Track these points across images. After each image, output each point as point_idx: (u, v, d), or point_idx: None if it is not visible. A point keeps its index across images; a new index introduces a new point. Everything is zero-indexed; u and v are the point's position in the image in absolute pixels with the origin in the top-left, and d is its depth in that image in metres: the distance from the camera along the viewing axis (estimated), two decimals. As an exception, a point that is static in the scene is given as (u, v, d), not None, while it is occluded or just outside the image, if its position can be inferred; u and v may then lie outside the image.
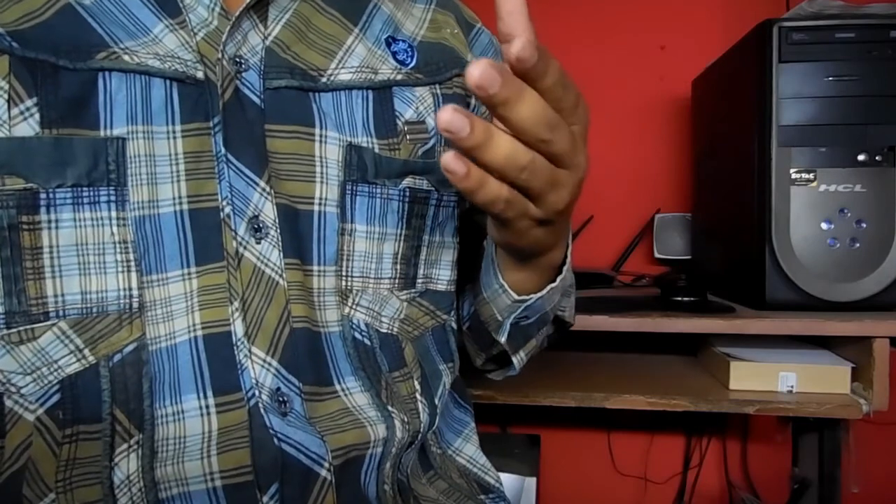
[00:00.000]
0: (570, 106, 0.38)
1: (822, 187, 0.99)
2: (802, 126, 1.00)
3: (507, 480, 1.19)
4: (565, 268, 0.57)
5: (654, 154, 1.51)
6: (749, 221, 1.05)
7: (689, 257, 1.41)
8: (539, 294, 0.55)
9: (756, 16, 1.07)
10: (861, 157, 0.98)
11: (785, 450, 1.41)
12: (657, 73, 1.49)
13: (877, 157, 0.98)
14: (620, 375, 1.14)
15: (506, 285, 0.55)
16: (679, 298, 1.05)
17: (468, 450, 0.65)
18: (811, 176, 1.00)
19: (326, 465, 0.47)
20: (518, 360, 0.65)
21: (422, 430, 0.55)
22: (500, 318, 0.59)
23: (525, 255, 0.52)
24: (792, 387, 1.02)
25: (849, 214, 0.99)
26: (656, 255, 1.45)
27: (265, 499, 0.45)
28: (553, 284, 0.55)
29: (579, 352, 1.29)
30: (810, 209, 0.99)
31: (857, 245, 0.99)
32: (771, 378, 1.02)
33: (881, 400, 0.96)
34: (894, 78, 0.98)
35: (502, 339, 0.60)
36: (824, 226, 0.99)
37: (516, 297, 0.55)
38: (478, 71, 0.33)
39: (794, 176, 1.00)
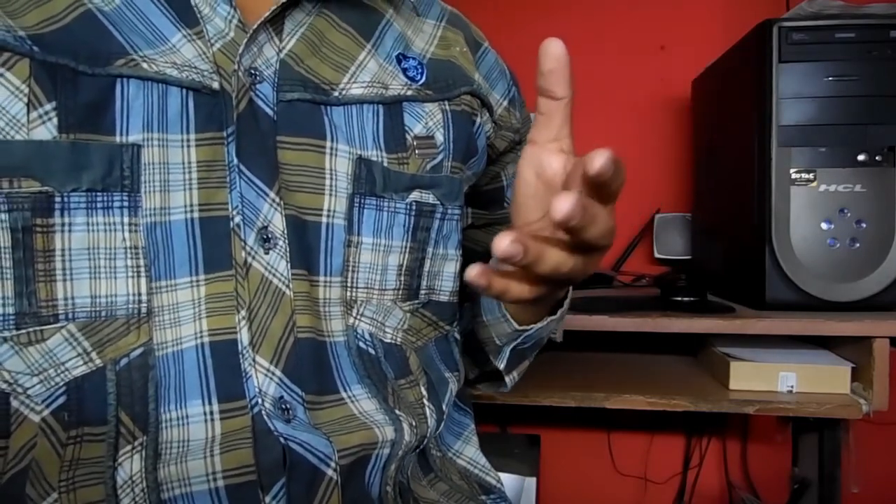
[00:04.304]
0: (619, 192, 0.39)
1: (822, 187, 1.00)
2: (802, 126, 1.00)
3: (507, 480, 1.19)
4: (566, 301, 0.58)
5: (654, 154, 1.51)
6: (749, 221, 1.05)
7: (689, 257, 1.42)
8: (538, 325, 0.58)
9: (756, 16, 1.07)
10: (861, 157, 0.99)
11: (785, 450, 1.41)
12: (657, 73, 1.49)
13: (877, 157, 0.98)
14: (620, 375, 1.14)
15: (507, 315, 0.58)
16: (679, 298, 1.06)
17: (468, 451, 0.65)
18: (811, 176, 1.00)
19: (333, 464, 0.48)
20: (511, 379, 0.68)
21: (429, 434, 0.55)
22: (498, 342, 0.61)
23: (534, 303, 0.53)
24: (792, 387, 1.02)
25: (849, 214, 0.99)
26: (656, 255, 1.45)
27: (268, 498, 0.45)
28: (553, 317, 0.58)
29: (579, 352, 1.29)
30: (810, 209, 0.99)
31: (857, 245, 0.99)
32: (771, 378, 1.03)
33: (881, 400, 0.96)
34: (894, 78, 0.98)
35: (501, 366, 0.63)
36: (824, 226, 0.99)
37: (517, 326, 0.58)
38: (567, 206, 0.34)
39: (794, 176, 1.00)
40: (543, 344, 0.65)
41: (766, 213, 1.00)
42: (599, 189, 0.37)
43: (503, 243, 0.35)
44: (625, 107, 1.50)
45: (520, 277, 0.41)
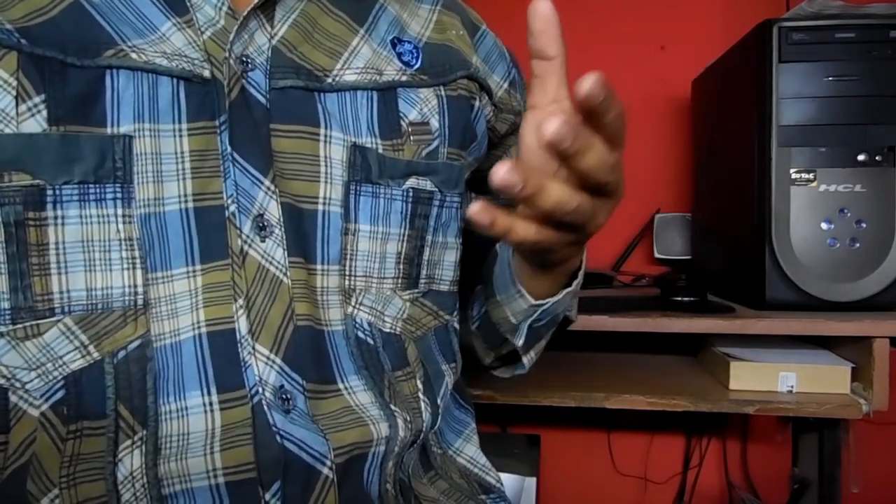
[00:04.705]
0: (621, 132, 0.39)
1: (822, 187, 1.00)
2: (802, 126, 1.00)
3: (507, 480, 1.19)
4: (580, 272, 0.58)
5: (654, 154, 1.51)
6: (749, 221, 1.05)
7: (689, 257, 1.42)
8: (555, 298, 0.57)
9: (756, 16, 1.07)
10: (861, 157, 0.99)
11: (785, 450, 1.41)
12: (657, 73, 1.49)
13: (877, 157, 0.98)
14: (620, 375, 1.14)
15: (523, 290, 0.57)
16: (679, 298, 1.06)
17: (469, 450, 0.65)
18: (811, 176, 1.00)
19: (329, 463, 0.47)
20: (528, 359, 0.66)
21: (424, 429, 0.55)
22: (513, 320, 0.60)
23: (548, 265, 0.53)
24: (792, 387, 1.02)
25: (849, 214, 0.99)
26: (656, 255, 1.45)
27: (267, 496, 0.45)
28: (569, 289, 0.57)
29: (579, 352, 1.29)
30: (810, 209, 0.99)
31: (857, 245, 0.99)
32: (771, 378, 1.02)
33: (881, 400, 0.96)
34: (894, 78, 0.98)
35: (519, 343, 0.62)
36: (824, 226, 0.99)
37: (533, 301, 0.57)
38: (553, 126, 0.34)
39: (794, 176, 1.00)
40: (559, 321, 0.64)
41: (766, 213, 1.00)
42: (595, 119, 0.37)
43: (500, 171, 0.35)
44: (625, 107, 1.50)
45: (525, 217, 0.41)
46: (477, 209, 0.37)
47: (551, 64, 0.43)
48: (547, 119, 0.34)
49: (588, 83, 0.34)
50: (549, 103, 0.45)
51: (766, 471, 1.46)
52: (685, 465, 1.50)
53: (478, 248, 0.72)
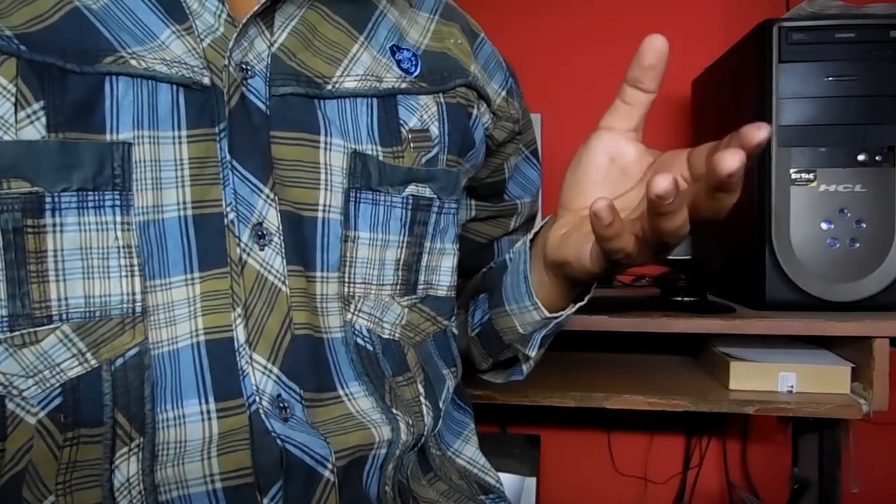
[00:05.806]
0: (720, 214, 0.41)
1: (822, 187, 0.99)
2: (802, 126, 1.00)
3: (507, 480, 1.19)
4: (593, 287, 0.59)
5: (654, 154, 1.50)
6: (749, 221, 1.05)
7: (689, 257, 1.41)
8: (567, 312, 0.58)
9: (756, 16, 1.07)
10: (861, 157, 0.99)
11: (785, 450, 1.41)
12: (657, 73, 1.49)
13: (877, 157, 0.98)
14: (620, 375, 1.14)
15: (539, 304, 0.57)
16: (679, 298, 1.06)
17: (468, 451, 0.65)
18: (811, 176, 1.00)
19: (330, 465, 0.47)
20: (528, 366, 0.67)
21: (426, 432, 0.55)
22: (522, 331, 0.61)
23: (588, 281, 0.54)
24: (792, 387, 1.02)
25: (849, 214, 0.99)
26: (656, 254, 1.45)
27: (265, 500, 0.45)
28: (581, 303, 0.58)
29: (579, 352, 1.29)
30: (810, 209, 0.99)
31: (857, 245, 0.99)
32: (771, 378, 1.02)
33: (881, 400, 0.96)
34: (894, 78, 0.98)
35: (532, 353, 0.63)
36: (824, 226, 0.99)
37: (548, 314, 0.58)
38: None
39: (794, 176, 1.00)
40: (560, 330, 0.65)
41: (766, 213, 1.00)
42: (714, 192, 0.37)
43: (665, 180, 0.36)
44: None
45: (629, 229, 0.43)
46: (603, 205, 0.40)
47: (646, 97, 0.47)
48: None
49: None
50: (630, 130, 0.50)
51: (766, 471, 1.46)
52: (685, 465, 1.50)
53: (472, 253, 0.73)
